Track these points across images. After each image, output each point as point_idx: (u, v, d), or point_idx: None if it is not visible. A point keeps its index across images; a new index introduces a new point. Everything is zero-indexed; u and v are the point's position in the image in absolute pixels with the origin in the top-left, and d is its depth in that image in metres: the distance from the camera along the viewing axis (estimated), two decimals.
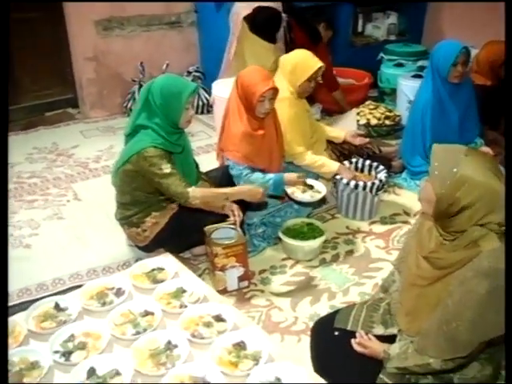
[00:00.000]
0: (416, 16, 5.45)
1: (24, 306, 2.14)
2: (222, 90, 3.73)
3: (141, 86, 4.51)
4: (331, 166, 2.95)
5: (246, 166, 2.68)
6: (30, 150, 3.94)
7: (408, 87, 4.19)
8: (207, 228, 2.44)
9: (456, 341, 1.50)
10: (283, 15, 4.14)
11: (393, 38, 5.39)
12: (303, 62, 2.92)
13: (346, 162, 3.12)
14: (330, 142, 3.33)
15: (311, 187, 2.75)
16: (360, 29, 5.51)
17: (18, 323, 1.97)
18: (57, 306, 2.06)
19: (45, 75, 4.55)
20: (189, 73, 4.76)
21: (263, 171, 2.73)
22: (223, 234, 2.43)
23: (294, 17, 4.30)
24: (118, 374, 1.72)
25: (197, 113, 4.58)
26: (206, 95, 4.61)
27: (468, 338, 1.49)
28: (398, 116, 4.14)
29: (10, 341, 1.90)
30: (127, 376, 1.71)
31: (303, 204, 2.83)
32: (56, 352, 1.82)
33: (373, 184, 2.91)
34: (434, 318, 1.57)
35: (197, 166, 2.69)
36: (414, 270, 1.71)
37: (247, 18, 4.03)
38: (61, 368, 1.77)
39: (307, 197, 2.71)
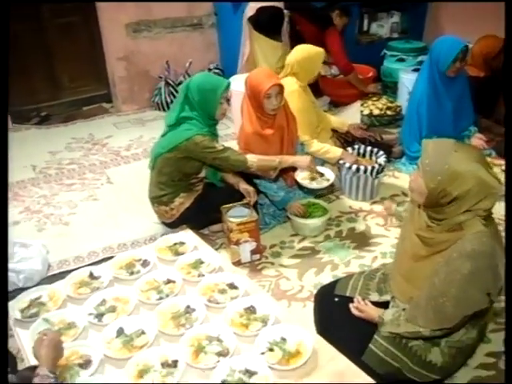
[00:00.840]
0: (417, 15, 5.33)
1: (63, 275, 2.17)
2: (238, 84, 3.72)
3: (166, 82, 4.52)
4: (335, 152, 2.93)
5: None
6: (69, 140, 3.97)
7: (408, 80, 4.10)
8: (224, 207, 2.46)
9: (443, 314, 1.50)
10: (285, 11, 4.06)
11: (395, 35, 5.28)
12: (313, 57, 2.91)
13: (349, 148, 3.10)
14: (334, 131, 3.31)
15: (321, 174, 2.71)
16: (365, 28, 5.39)
17: (58, 289, 2.02)
18: (91, 275, 2.11)
19: (82, 73, 4.58)
20: (209, 70, 4.73)
21: None
22: (238, 212, 2.44)
23: (296, 11, 4.17)
24: (143, 333, 1.76)
25: None
26: None
27: (453, 312, 1.49)
28: (399, 107, 4.08)
29: (51, 304, 1.96)
30: (151, 335, 1.75)
31: (311, 190, 2.80)
32: (90, 314, 1.87)
33: (373, 168, 2.89)
34: (423, 293, 1.57)
35: None
36: (409, 244, 1.70)
37: (251, 19, 4.00)
38: (94, 328, 1.81)
39: (315, 184, 2.65)
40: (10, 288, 2.23)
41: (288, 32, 4.20)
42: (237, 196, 2.55)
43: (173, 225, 2.60)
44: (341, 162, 2.92)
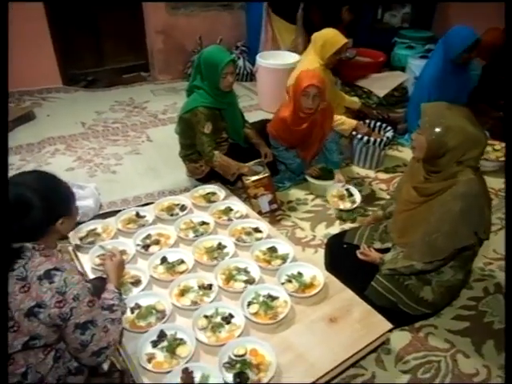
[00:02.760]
0: (427, 7, 5.24)
1: (112, 214, 2.28)
2: (264, 60, 3.77)
3: None
4: (350, 123, 2.97)
5: (281, 145, 2.70)
6: (113, 103, 4.02)
7: (416, 66, 4.08)
8: None
9: (435, 248, 1.61)
10: None
11: (406, 25, 5.21)
12: (332, 38, 2.89)
13: (361, 122, 3.14)
14: (347, 108, 3.34)
15: (350, 195, 2.60)
16: (379, 16, 5.33)
17: (110, 224, 2.15)
18: (137, 214, 2.23)
19: (124, 44, 4.57)
20: (237, 47, 4.73)
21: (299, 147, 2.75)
22: (253, 170, 2.50)
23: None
24: (183, 262, 1.89)
25: (242, 80, 4.60)
26: (250, 66, 4.61)
27: (444, 245, 1.60)
28: (405, 89, 4.07)
29: (105, 235, 2.09)
30: (190, 264, 1.88)
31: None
32: (138, 245, 2.00)
33: (381, 140, 2.94)
34: (419, 233, 1.67)
35: (242, 116, 2.76)
36: (406, 196, 1.80)
37: (270, 3, 4.01)
38: (141, 256, 1.95)
39: (342, 205, 2.53)
40: None
41: (302, 17, 4.20)
42: (258, 156, 2.61)
43: (203, 180, 2.66)
44: (354, 133, 2.98)
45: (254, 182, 2.44)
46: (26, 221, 1.18)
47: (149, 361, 1.45)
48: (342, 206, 2.54)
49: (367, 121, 3.19)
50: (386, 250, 1.88)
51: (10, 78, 3.87)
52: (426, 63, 3.37)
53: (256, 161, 2.54)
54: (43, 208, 1.19)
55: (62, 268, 1.20)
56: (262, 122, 3.00)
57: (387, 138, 2.96)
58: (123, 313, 1.45)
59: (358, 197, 2.58)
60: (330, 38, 2.89)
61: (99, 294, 1.40)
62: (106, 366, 1.62)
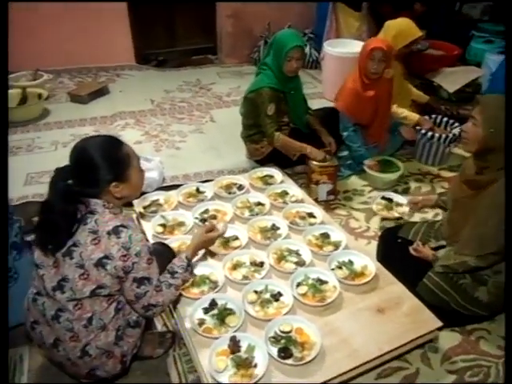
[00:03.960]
0: None
1: (174, 187, 2.39)
2: (331, 48, 3.71)
3: (265, 41, 4.53)
4: (413, 117, 2.87)
5: (351, 122, 2.67)
6: (181, 83, 4.14)
7: (493, 61, 3.81)
8: None
9: (484, 240, 1.57)
10: None
11: (486, 17, 4.88)
12: (406, 30, 2.78)
13: (426, 116, 3.01)
14: (414, 101, 3.21)
15: (398, 204, 2.48)
16: (457, 7, 5.04)
17: (172, 196, 2.26)
18: (197, 189, 2.32)
19: (195, 27, 4.68)
20: (304, 34, 4.68)
21: (367, 126, 2.72)
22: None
23: None
24: (237, 238, 1.95)
25: (307, 67, 4.56)
26: (316, 53, 4.56)
27: (494, 237, 1.55)
28: (479, 85, 3.84)
29: (166, 206, 2.20)
30: (244, 240, 1.93)
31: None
32: (196, 218, 2.09)
33: (446, 137, 2.81)
34: (469, 226, 1.63)
35: (306, 102, 2.76)
36: (457, 193, 1.75)
37: None
38: (199, 229, 2.01)
39: (396, 214, 2.41)
40: None
41: (368, 5, 4.09)
42: (318, 142, 2.58)
43: (262, 162, 2.69)
44: (417, 127, 2.87)
45: (320, 167, 2.44)
46: (79, 176, 1.29)
47: (199, 325, 1.52)
48: (391, 216, 2.41)
49: (433, 116, 3.05)
50: (441, 248, 1.82)
51: (89, 54, 4.17)
52: (503, 59, 3.16)
53: (324, 149, 2.53)
54: (95, 168, 1.29)
55: (128, 226, 1.30)
56: (326, 110, 2.97)
57: (453, 134, 2.82)
58: (184, 281, 1.53)
59: (404, 203, 2.46)
60: (404, 28, 2.78)
61: (156, 256, 1.46)
62: (159, 326, 1.73)
